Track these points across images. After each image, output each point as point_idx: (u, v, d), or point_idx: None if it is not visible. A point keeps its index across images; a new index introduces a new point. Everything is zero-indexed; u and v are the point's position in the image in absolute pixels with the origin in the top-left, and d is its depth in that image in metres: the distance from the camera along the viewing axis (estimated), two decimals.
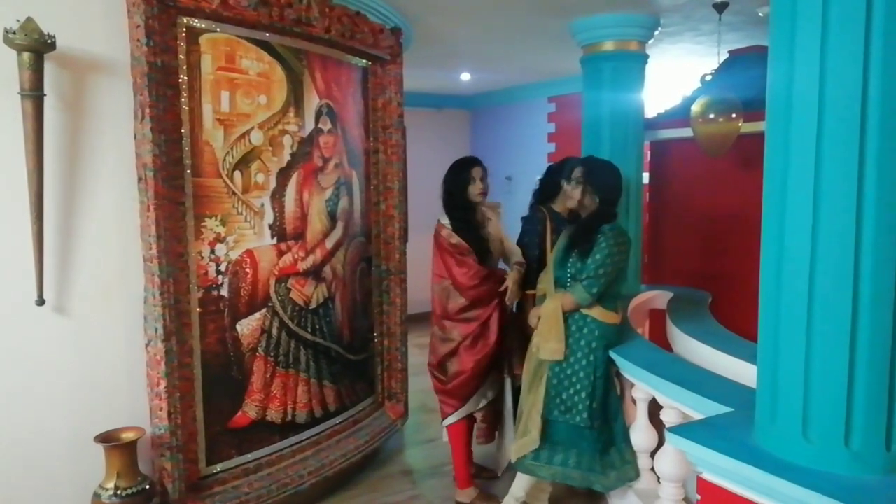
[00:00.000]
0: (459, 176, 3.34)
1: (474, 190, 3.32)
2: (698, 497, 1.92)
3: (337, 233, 3.54)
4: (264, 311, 3.12)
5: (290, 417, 3.28)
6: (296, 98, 3.24)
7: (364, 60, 3.77)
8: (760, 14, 4.25)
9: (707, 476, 1.87)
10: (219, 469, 2.98)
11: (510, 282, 3.28)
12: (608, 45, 4.30)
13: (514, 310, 3.52)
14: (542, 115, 7.39)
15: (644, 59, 4.45)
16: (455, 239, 3.27)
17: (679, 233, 5.38)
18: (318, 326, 3.42)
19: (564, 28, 4.45)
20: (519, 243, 3.61)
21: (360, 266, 3.80)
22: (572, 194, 3.03)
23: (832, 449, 1.65)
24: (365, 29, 3.57)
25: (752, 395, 1.92)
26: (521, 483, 3.13)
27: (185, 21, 2.75)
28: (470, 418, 3.39)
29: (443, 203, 3.38)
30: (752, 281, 1.90)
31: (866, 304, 1.59)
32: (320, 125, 3.40)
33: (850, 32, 1.55)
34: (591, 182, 2.97)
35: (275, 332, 3.18)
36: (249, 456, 3.10)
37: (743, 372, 2.71)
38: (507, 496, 3.16)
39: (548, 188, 3.54)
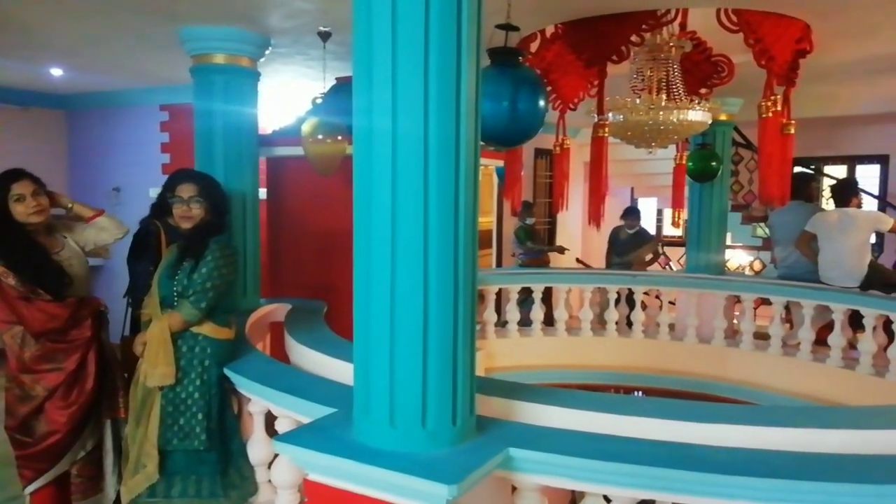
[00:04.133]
0: None
1: (23, 209, 2.78)
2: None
3: None
4: None
5: None
6: None
7: None
8: None
9: (312, 476, 1.96)
10: None
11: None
12: (219, 58, 4.23)
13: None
14: (155, 123, 6.94)
15: (256, 75, 4.50)
16: (13, 279, 2.74)
17: (297, 246, 5.59)
18: None
19: (173, 35, 4.25)
20: (128, 260, 3.32)
21: None
22: (192, 213, 2.91)
23: (413, 431, 1.89)
24: None
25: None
26: None
27: None
28: (63, 475, 2.92)
29: None
30: None
31: (434, 310, 1.87)
32: None
33: (413, 73, 1.81)
34: (208, 198, 2.95)
35: None
36: None
37: (351, 374, 2.93)
38: None
39: (164, 202, 3.34)
